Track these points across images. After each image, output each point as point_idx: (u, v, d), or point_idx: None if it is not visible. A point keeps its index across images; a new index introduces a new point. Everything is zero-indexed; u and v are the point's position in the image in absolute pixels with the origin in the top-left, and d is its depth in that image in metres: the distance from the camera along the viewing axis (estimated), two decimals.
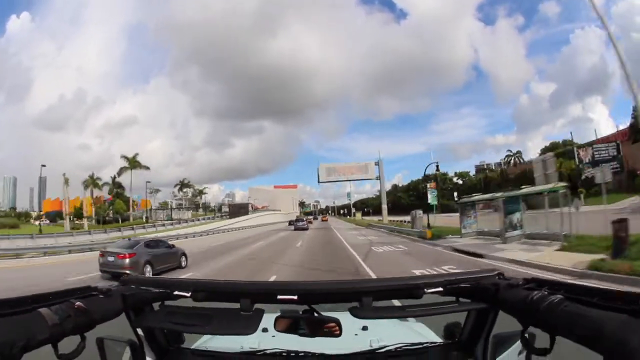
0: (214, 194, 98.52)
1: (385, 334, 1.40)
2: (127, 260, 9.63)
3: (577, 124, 72.31)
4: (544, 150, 55.57)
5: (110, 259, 9.90)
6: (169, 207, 64.35)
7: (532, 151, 79.52)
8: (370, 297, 0.94)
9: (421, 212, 24.02)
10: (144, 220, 45.48)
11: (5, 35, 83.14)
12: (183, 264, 11.84)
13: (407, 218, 31.71)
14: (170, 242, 12.43)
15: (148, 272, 9.85)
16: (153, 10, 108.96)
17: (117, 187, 55.58)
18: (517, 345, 0.93)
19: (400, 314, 1.01)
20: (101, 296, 0.97)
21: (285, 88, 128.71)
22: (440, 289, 0.98)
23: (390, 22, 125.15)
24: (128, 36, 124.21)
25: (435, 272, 3.38)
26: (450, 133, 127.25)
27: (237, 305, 0.98)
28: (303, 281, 1.12)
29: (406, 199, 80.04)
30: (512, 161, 65.78)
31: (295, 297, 0.97)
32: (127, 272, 9.07)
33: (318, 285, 1.06)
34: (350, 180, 50.51)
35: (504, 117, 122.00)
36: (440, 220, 27.42)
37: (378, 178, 48.32)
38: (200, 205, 56.21)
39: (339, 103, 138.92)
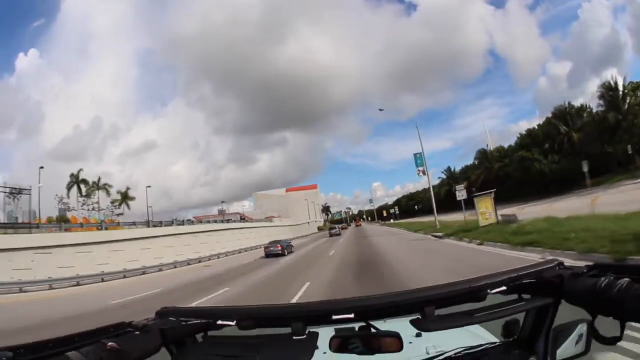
0: (246, 210, 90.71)
1: (440, 339, 1.33)
2: (279, 248, 22.47)
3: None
4: None
5: (272, 248, 22.81)
6: None
7: None
8: (433, 306, 0.90)
9: None
10: None
11: (15, 73, 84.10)
12: (293, 250, 24.27)
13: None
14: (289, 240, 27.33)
15: (287, 252, 22.58)
16: (156, 32, 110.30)
17: None
18: (574, 335, 0.93)
19: (467, 321, 0.91)
20: (137, 333, 0.92)
21: (303, 95, 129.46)
22: (504, 287, 0.95)
23: (400, 15, 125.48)
24: (137, 62, 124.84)
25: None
26: (473, 126, 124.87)
27: (288, 330, 0.93)
28: (359, 297, 1.00)
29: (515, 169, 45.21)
30: None
31: (352, 316, 0.91)
32: (280, 252, 22.05)
33: (375, 300, 0.97)
34: None
35: (524, 103, 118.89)
36: None
37: None
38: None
39: (359, 106, 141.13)
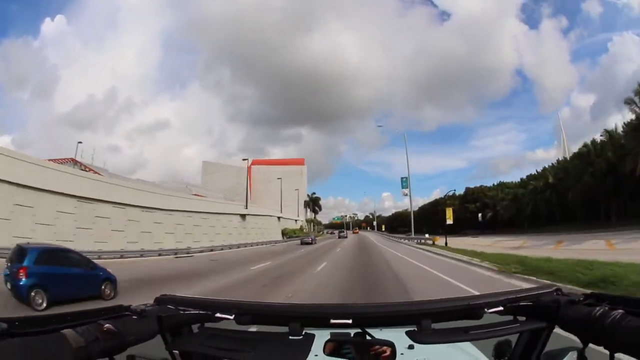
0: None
1: (431, 354, 1.37)
2: (310, 239, 41.64)
3: None
4: None
5: (305, 239, 42.53)
6: None
7: None
8: (430, 320, 0.93)
9: None
10: None
11: (40, 36, 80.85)
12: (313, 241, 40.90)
13: None
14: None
15: (314, 243, 39.68)
16: (182, 10, 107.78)
17: None
18: None
19: (462, 337, 0.96)
20: (134, 317, 0.95)
21: (323, 93, 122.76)
22: (501, 308, 0.98)
23: (431, 22, 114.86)
24: (159, 40, 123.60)
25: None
26: (490, 148, 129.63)
27: (285, 329, 0.96)
28: (358, 304, 1.14)
29: None
30: None
31: (350, 321, 0.94)
32: (310, 242, 39.86)
33: (374, 308, 1.02)
34: None
35: (544, 132, 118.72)
36: None
37: None
38: None
39: (379, 112, 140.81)
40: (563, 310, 0.91)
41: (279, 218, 57.50)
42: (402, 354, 1.20)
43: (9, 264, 7.54)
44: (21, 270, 6.99)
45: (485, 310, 0.95)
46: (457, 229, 59.32)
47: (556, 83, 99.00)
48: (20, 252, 7.51)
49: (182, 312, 1.05)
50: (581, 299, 0.93)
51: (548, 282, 6.06)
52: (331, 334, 1.06)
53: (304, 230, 67.10)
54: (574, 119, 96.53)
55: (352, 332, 1.02)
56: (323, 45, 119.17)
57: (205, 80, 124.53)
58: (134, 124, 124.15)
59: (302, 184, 77.01)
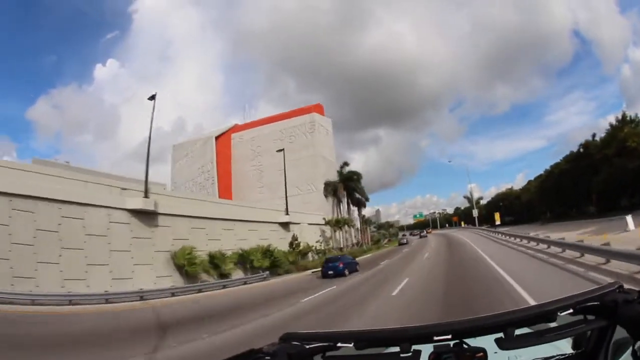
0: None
1: (521, 350, 1.61)
2: (406, 240, 64.05)
3: None
4: None
5: (402, 240, 63.62)
6: None
7: None
8: (514, 327, 1.17)
9: None
10: None
11: (96, 82, 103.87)
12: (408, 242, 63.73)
13: None
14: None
15: (407, 242, 59.42)
16: (233, 32, 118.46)
17: None
18: (627, 354, 1.18)
19: (541, 340, 1.20)
20: (267, 358, 1.17)
21: (393, 90, 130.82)
22: (571, 310, 1.19)
23: None
24: (215, 64, 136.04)
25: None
26: (565, 122, 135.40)
27: (396, 349, 1.22)
28: (455, 320, 1.26)
29: None
30: None
31: (450, 337, 1.22)
32: (405, 242, 57.89)
33: (468, 323, 1.25)
34: None
35: (610, 96, 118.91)
36: None
37: None
38: None
39: (451, 100, 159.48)
40: (620, 309, 1.09)
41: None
42: (495, 352, 1.39)
43: (326, 265, 24.38)
44: (341, 263, 24.61)
45: (559, 313, 1.15)
46: (609, 205, 39.05)
47: (612, 39, 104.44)
48: (334, 258, 26.12)
49: (307, 346, 1.26)
50: (635, 297, 1.10)
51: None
52: (434, 346, 1.30)
53: (322, 248, 37.58)
54: (636, 76, 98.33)
55: (451, 343, 1.26)
56: (382, 39, 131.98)
57: (271, 95, 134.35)
58: None
59: (319, 147, 52.44)
